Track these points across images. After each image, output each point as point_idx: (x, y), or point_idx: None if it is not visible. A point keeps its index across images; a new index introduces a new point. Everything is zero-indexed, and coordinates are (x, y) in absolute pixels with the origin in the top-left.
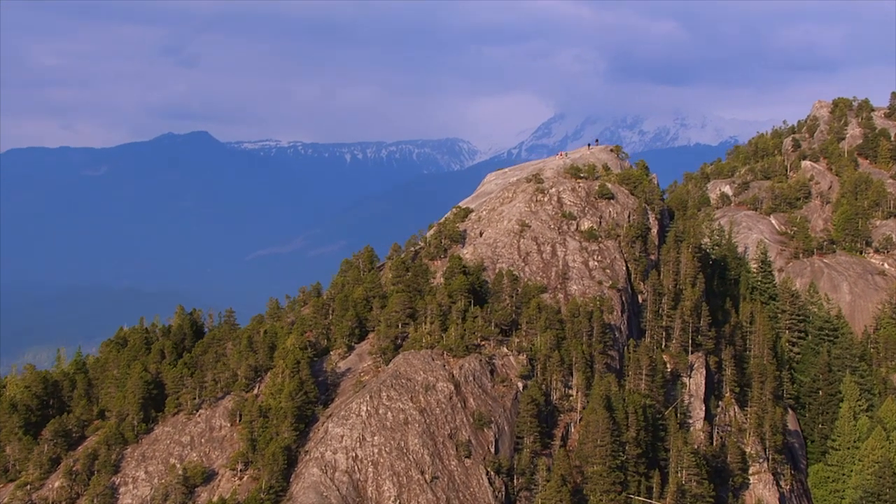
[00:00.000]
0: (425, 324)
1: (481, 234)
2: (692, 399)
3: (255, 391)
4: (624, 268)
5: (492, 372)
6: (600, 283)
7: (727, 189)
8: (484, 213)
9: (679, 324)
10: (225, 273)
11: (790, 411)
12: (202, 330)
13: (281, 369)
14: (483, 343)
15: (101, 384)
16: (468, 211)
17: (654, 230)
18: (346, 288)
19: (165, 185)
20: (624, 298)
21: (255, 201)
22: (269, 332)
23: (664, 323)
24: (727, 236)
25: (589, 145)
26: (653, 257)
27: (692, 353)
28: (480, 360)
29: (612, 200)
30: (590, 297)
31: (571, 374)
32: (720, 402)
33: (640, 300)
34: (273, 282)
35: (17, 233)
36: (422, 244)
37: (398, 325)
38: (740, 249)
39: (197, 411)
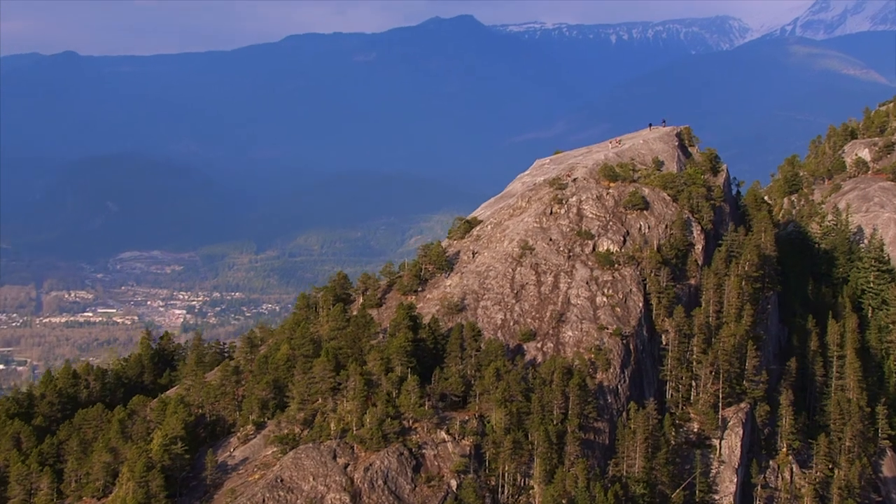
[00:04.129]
0: (345, 401)
1: (474, 256)
2: (721, 467)
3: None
4: (640, 303)
5: (417, 468)
6: (602, 328)
7: (865, 153)
8: (489, 227)
9: (708, 371)
10: (486, 157)
11: (889, 453)
12: (171, 360)
13: (125, 479)
14: (416, 426)
15: None
16: (473, 223)
17: (699, 247)
18: (280, 339)
19: (431, 70)
20: (633, 346)
21: (519, 85)
22: (158, 407)
23: (695, 371)
24: (845, 218)
25: (651, 125)
26: (693, 282)
27: (731, 405)
28: (401, 454)
29: (644, 211)
30: (584, 348)
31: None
32: (770, 463)
33: (665, 342)
34: (530, 164)
35: (292, 118)
36: (399, 272)
37: (318, 400)
38: (867, 232)
39: None
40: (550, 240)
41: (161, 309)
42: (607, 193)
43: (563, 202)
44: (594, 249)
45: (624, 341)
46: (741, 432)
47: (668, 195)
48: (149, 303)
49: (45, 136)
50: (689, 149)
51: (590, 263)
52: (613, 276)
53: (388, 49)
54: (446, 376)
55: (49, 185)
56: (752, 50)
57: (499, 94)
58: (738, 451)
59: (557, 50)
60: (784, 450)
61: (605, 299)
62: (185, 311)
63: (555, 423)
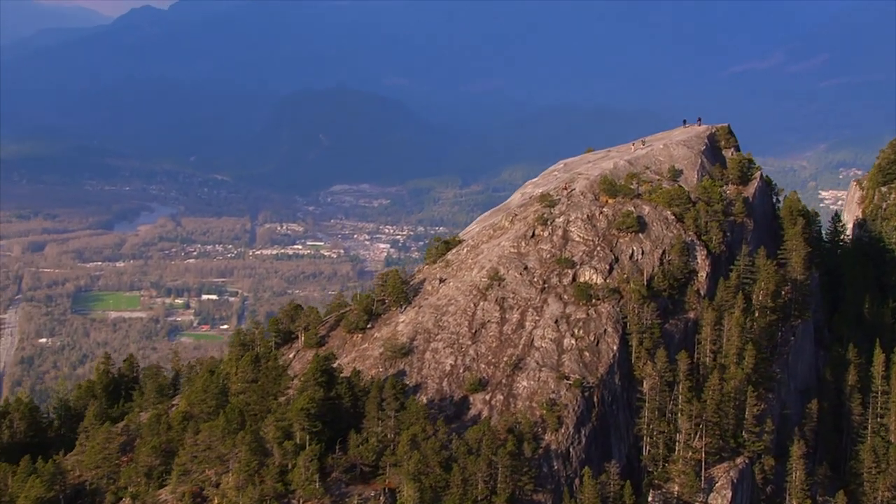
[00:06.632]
0: (229, 475)
1: (440, 286)
2: None
3: None
4: (615, 346)
5: None
6: (562, 377)
7: None
8: (465, 250)
9: (691, 425)
10: (700, 89)
11: None
12: (129, 389)
13: None
14: None
15: None
16: (452, 244)
17: (703, 275)
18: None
19: (639, 1)
20: (597, 398)
21: (733, 13)
22: (24, 473)
23: (679, 424)
24: None
25: (685, 122)
26: (693, 316)
27: (725, 461)
28: None
29: (639, 234)
30: (537, 402)
31: None
32: None
33: (646, 390)
34: (748, 99)
35: (500, 52)
36: (351, 306)
37: (205, 471)
38: None
39: None
40: (525, 268)
41: (367, 243)
42: (601, 212)
43: (549, 223)
44: (574, 280)
45: (585, 394)
46: (729, 494)
47: (673, 214)
48: (355, 236)
49: (264, 71)
50: (725, 152)
51: (565, 297)
52: (588, 314)
53: None
54: (359, 442)
55: (267, 119)
56: None
57: (712, 23)
58: None
59: None
60: None
61: (573, 342)
62: (389, 246)
63: (479, 498)
